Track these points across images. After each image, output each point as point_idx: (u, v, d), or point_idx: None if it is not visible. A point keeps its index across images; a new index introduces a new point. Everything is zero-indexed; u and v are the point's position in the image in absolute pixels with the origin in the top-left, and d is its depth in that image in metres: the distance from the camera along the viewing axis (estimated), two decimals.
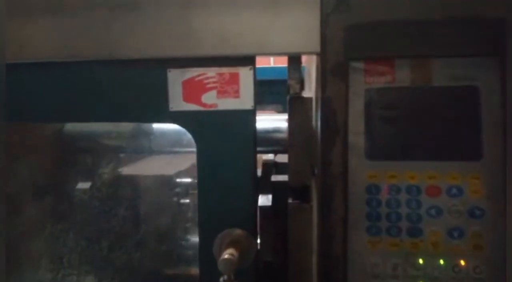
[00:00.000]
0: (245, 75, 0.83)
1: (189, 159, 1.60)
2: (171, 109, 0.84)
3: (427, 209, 0.78)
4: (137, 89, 0.84)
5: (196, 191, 1.52)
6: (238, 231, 0.84)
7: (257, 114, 0.89)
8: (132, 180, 1.30)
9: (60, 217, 1.17)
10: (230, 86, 0.83)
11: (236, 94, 0.83)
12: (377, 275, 0.78)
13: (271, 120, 1.13)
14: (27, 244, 1.11)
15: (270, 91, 2.23)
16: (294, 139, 1.02)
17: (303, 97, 1.00)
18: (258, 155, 1.55)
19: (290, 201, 1.04)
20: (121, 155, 1.38)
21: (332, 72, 0.70)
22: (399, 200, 0.78)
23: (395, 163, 0.79)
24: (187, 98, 0.83)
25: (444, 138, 0.78)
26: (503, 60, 0.73)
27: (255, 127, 0.86)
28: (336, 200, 0.71)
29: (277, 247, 1.19)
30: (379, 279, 0.78)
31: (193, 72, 0.82)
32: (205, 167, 0.86)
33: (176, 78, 0.83)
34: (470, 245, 0.76)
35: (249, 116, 0.85)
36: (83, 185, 1.21)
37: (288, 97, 1.01)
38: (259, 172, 1.24)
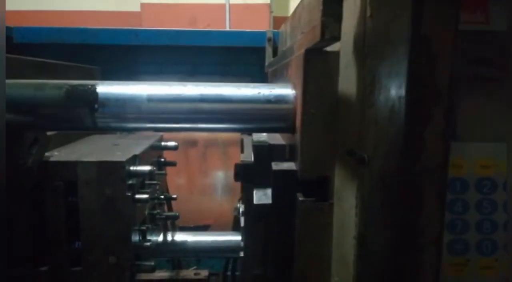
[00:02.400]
0: None
1: (144, 139, 1.25)
2: None
3: None
4: None
5: (155, 182, 1.18)
6: None
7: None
8: (67, 168, 0.93)
9: None
10: None
11: None
12: None
13: (270, 87, 0.82)
14: None
15: (237, 62, 1.90)
16: (311, 112, 0.73)
17: (327, 52, 0.71)
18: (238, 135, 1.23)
19: (301, 198, 0.75)
20: (49, 134, 0.99)
21: None
22: (495, 200, 0.53)
23: (489, 145, 0.53)
24: None
25: None
26: None
27: None
28: (428, 211, 0.44)
29: (269, 257, 0.91)
30: None
31: None
32: None
33: None
34: None
35: None
36: None
37: (304, 51, 0.71)
38: (251, 158, 0.93)
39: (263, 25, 3.40)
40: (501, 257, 0.53)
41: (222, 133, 2.70)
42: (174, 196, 1.30)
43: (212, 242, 1.39)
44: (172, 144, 1.33)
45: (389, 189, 0.48)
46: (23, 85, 0.80)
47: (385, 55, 0.49)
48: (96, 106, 0.77)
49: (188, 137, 2.80)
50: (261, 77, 1.94)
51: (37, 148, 0.91)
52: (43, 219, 0.93)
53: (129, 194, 0.94)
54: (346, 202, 0.68)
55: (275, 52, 1.73)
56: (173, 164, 1.34)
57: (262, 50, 1.83)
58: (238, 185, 2.64)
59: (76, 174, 0.92)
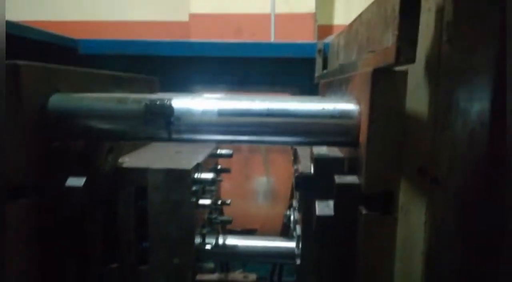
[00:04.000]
0: None
1: (203, 147, 1.32)
2: None
3: None
4: None
5: (213, 188, 1.24)
6: None
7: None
8: (138, 174, 1.00)
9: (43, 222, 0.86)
10: None
11: None
12: None
13: (334, 102, 0.85)
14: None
15: (285, 72, 1.94)
16: (376, 129, 0.75)
17: (394, 72, 0.73)
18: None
19: (364, 211, 0.78)
20: (122, 142, 1.07)
21: None
22: None
23: None
24: None
25: None
26: None
27: None
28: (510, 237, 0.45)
29: (326, 267, 0.93)
30: None
31: None
32: None
33: None
34: None
35: None
36: (75, 181, 0.90)
37: (371, 71, 0.74)
38: (308, 169, 0.97)
39: (307, 34, 3.44)
40: None
41: None
42: (228, 201, 1.36)
43: (263, 247, 1.44)
44: (227, 152, 1.39)
45: (466, 209, 0.50)
46: (107, 99, 0.88)
47: (464, 80, 0.52)
48: (172, 119, 0.84)
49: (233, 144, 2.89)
50: (310, 88, 1.96)
51: (112, 155, 1.00)
52: (115, 220, 1.01)
53: (193, 199, 1.01)
54: (413, 217, 0.70)
55: (324, 63, 1.76)
56: (227, 170, 1.40)
57: (310, 61, 1.86)
58: (280, 190, 2.71)
59: (146, 180, 1.00)
